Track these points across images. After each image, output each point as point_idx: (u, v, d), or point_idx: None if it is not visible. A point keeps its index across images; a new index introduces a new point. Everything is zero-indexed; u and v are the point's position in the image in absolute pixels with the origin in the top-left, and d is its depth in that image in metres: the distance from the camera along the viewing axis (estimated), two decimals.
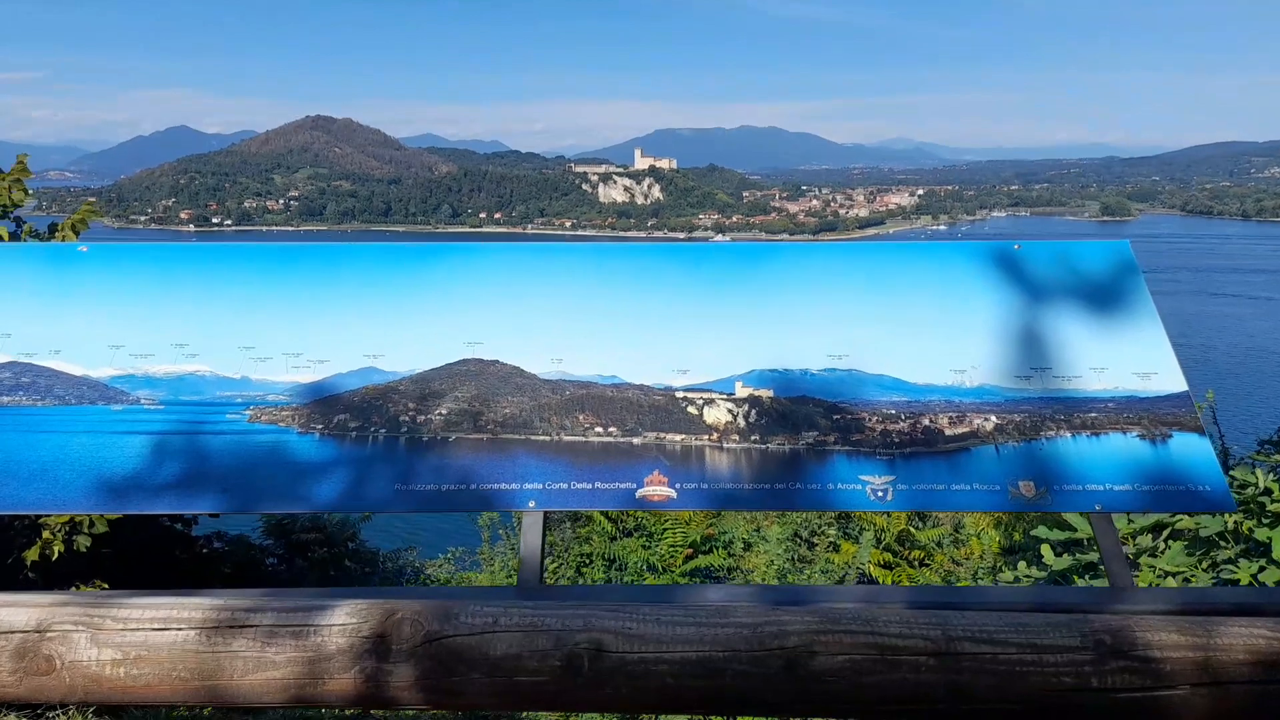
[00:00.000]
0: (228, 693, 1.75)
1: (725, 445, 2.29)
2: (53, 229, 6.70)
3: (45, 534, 4.71)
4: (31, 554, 4.77)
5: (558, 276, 2.56)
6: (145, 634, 1.74)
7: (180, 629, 1.75)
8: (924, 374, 2.40)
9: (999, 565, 6.20)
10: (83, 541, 4.88)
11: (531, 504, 2.18)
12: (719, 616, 1.75)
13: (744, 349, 2.45)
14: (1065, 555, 4.82)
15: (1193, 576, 4.42)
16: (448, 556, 8.81)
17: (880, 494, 2.20)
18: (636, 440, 2.30)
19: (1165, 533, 4.58)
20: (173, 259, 2.64)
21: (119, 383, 2.36)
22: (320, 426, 2.29)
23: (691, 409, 2.36)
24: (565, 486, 2.20)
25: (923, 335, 2.46)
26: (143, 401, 2.32)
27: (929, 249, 2.70)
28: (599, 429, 2.31)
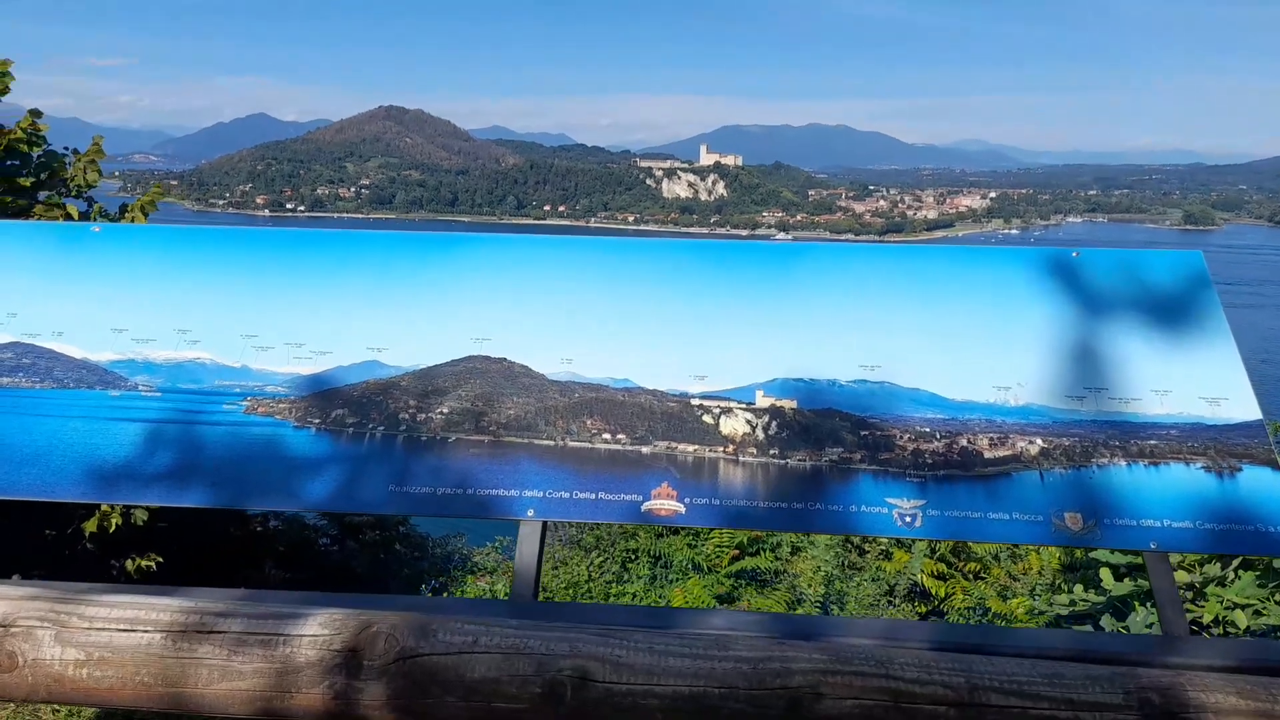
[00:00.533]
0: (192, 701, 1.65)
1: (741, 458, 2.13)
2: (123, 209, 6.76)
3: (104, 506, 4.75)
4: (90, 525, 4.81)
5: (575, 271, 2.42)
6: (110, 634, 1.66)
7: (146, 631, 1.66)
8: (964, 390, 2.20)
9: (1058, 583, 5.87)
10: (140, 515, 4.92)
11: (530, 513, 2.05)
12: (717, 648, 1.60)
13: (768, 355, 2.28)
14: (1127, 579, 4.52)
15: (1265, 610, 4.09)
16: (495, 545, 8.72)
17: (908, 519, 2.01)
18: (646, 449, 2.15)
19: (1236, 561, 4.25)
20: (184, 242, 2.57)
21: (118, 367, 2.30)
22: (317, 421, 2.20)
23: (707, 418, 2.20)
24: (567, 496, 2.07)
25: (965, 347, 2.26)
26: (140, 388, 2.26)
27: (980, 254, 2.48)
28: (607, 435, 2.17)
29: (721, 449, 2.14)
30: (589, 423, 2.19)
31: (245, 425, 2.20)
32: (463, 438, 2.16)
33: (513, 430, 2.17)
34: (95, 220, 6.22)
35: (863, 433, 2.14)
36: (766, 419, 2.18)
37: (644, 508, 2.05)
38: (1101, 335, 2.27)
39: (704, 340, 2.29)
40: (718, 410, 2.20)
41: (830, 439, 2.13)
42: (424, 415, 2.20)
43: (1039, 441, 2.12)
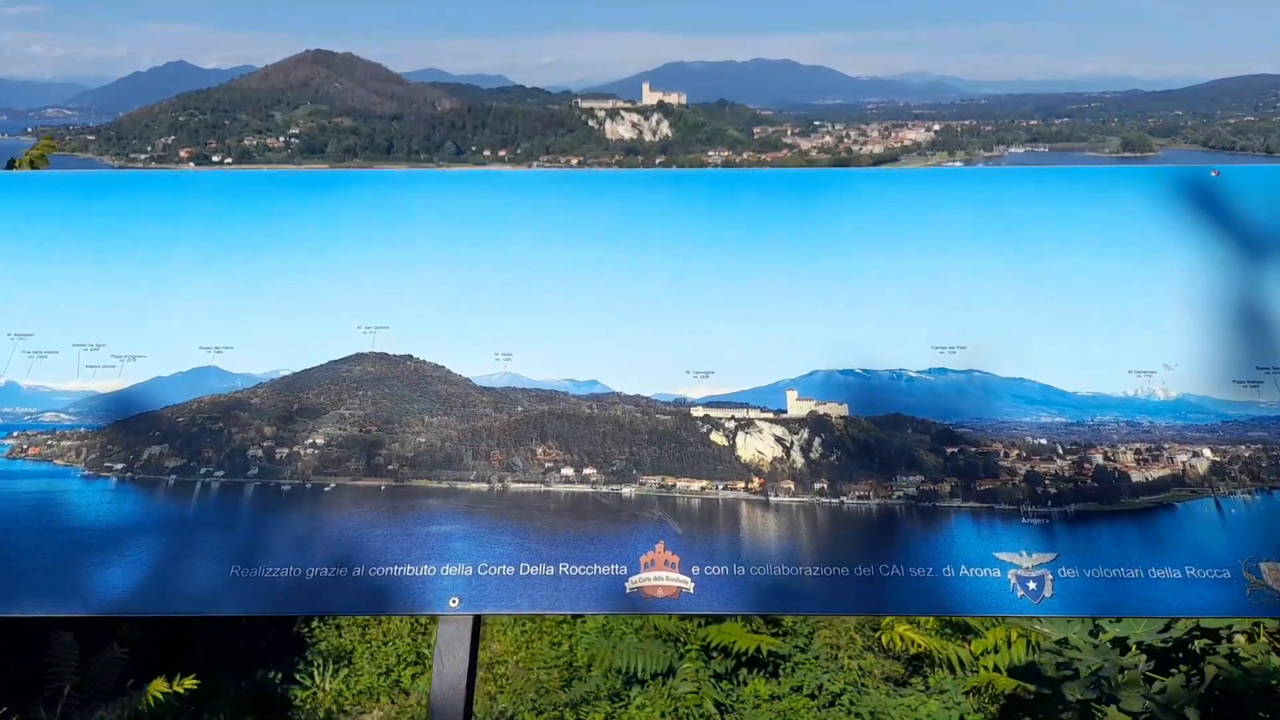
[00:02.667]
0: None
1: (773, 498, 1.43)
2: (11, 164, 5.82)
3: None
4: None
5: (512, 221, 1.66)
6: None
7: None
8: (1089, 378, 1.52)
9: None
10: None
11: (454, 602, 1.32)
12: None
13: (800, 337, 1.57)
14: None
15: None
16: (396, 648, 4.65)
17: (1032, 587, 1.33)
18: (628, 490, 1.43)
19: None
20: None
21: None
22: (120, 466, 1.42)
23: (717, 436, 1.48)
24: (511, 572, 1.34)
25: (1083, 314, 1.57)
26: None
27: (1082, 176, 1.77)
28: (568, 470, 1.44)
29: (742, 485, 1.43)
30: (540, 451, 1.44)
31: (6, 478, 1.41)
32: (346, 484, 1.41)
33: (423, 469, 1.42)
34: None
35: (949, 450, 1.44)
36: (805, 435, 1.46)
37: (629, 585, 1.33)
38: (1275, 290, 1.58)
39: (704, 318, 1.56)
40: (732, 424, 1.47)
41: (902, 461, 1.42)
42: (286, 450, 1.44)
43: (1207, 453, 1.44)
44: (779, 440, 1.47)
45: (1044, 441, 1.47)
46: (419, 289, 1.58)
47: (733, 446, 1.48)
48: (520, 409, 1.49)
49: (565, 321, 1.55)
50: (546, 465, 1.44)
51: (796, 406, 1.49)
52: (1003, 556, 1.36)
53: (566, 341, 1.54)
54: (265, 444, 1.46)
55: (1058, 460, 1.45)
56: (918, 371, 1.52)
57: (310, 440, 1.46)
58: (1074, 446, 1.46)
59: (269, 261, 1.60)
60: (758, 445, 1.47)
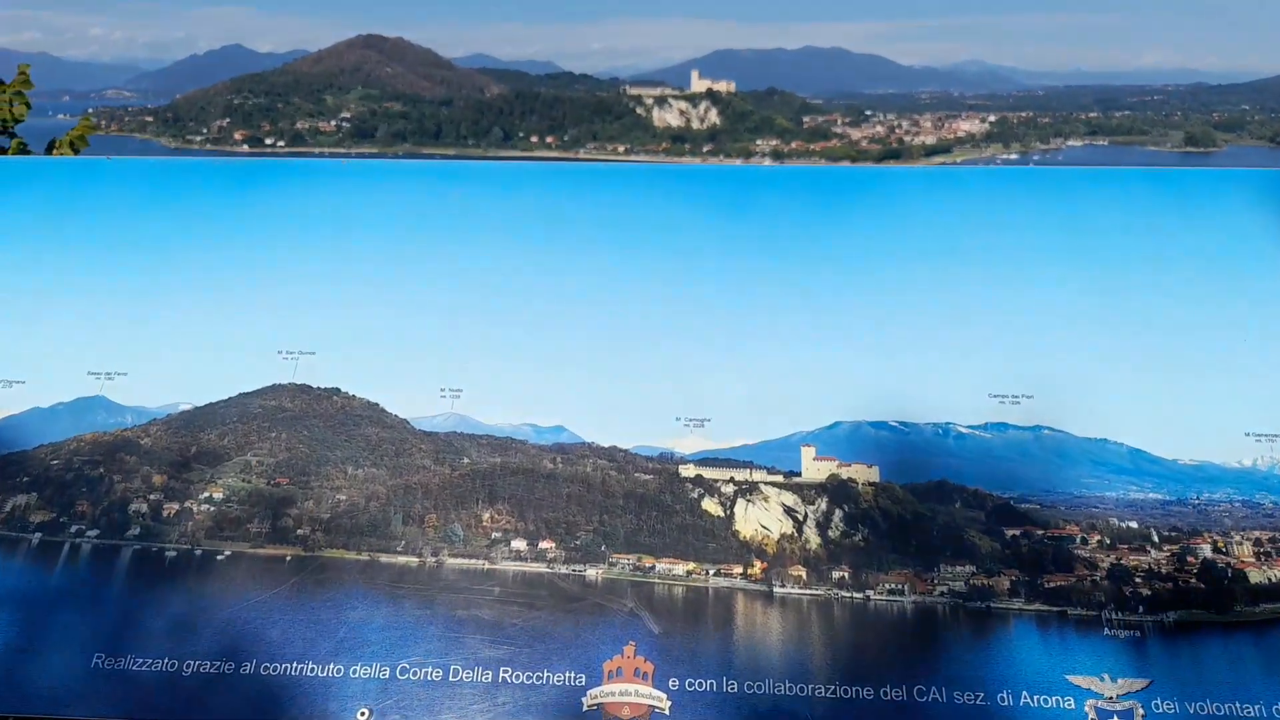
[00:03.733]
0: None
1: (778, 589, 1.12)
2: (51, 146, 5.85)
3: None
4: None
5: (472, 226, 1.36)
6: None
7: None
8: (1191, 442, 1.18)
9: None
10: None
11: (362, 715, 1.04)
12: None
13: (819, 377, 1.25)
14: None
15: None
16: None
17: None
18: (594, 573, 1.13)
19: None
20: None
21: None
22: None
23: (710, 504, 1.18)
24: (438, 676, 1.05)
25: (1182, 359, 1.23)
26: None
27: (1175, 179, 1.41)
28: (519, 543, 1.15)
29: (739, 569, 1.12)
30: (486, 517, 1.15)
31: None
32: (245, 551, 1.14)
33: (340, 535, 1.14)
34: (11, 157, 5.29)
35: (1009, 532, 1.11)
36: (823, 505, 1.14)
37: (588, 700, 1.04)
38: None
39: (700, 351, 1.25)
40: (730, 489, 1.17)
41: (948, 545, 1.11)
42: (176, 506, 1.17)
43: None
44: (789, 512, 1.16)
45: (1134, 525, 1.14)
46: (354, 307, 1.30)
47: (730, 518, 1.17)
48: (466, 461, 1.20)
49: (528, 352, 1.25)
50: (493, 535, 1.15)
51: (813, 468, 1.18)
52: (1078, 681, 1.04)
53: (528, 377, 1.24)
54: (152, 496, 1.19)
55: (1152, 551, 1.12)
56: (970, 427, 1.20)
57: (206, 494, 1.18)
58: (1173, 533, 1.13)
59: (176, 267, 1.33)
60: (762, 518, 1.16)
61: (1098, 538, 1.13)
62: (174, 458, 1.21)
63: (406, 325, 1.28)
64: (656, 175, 1.44)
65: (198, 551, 1.15)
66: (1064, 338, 1.24)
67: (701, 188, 1.40)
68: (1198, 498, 1.16)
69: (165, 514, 1.18)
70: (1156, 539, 1.13)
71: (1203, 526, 1.13)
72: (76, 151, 6.07)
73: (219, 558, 1.15)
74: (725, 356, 1.24)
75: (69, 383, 1.26)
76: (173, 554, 1.15)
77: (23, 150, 5.86)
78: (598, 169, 1.47)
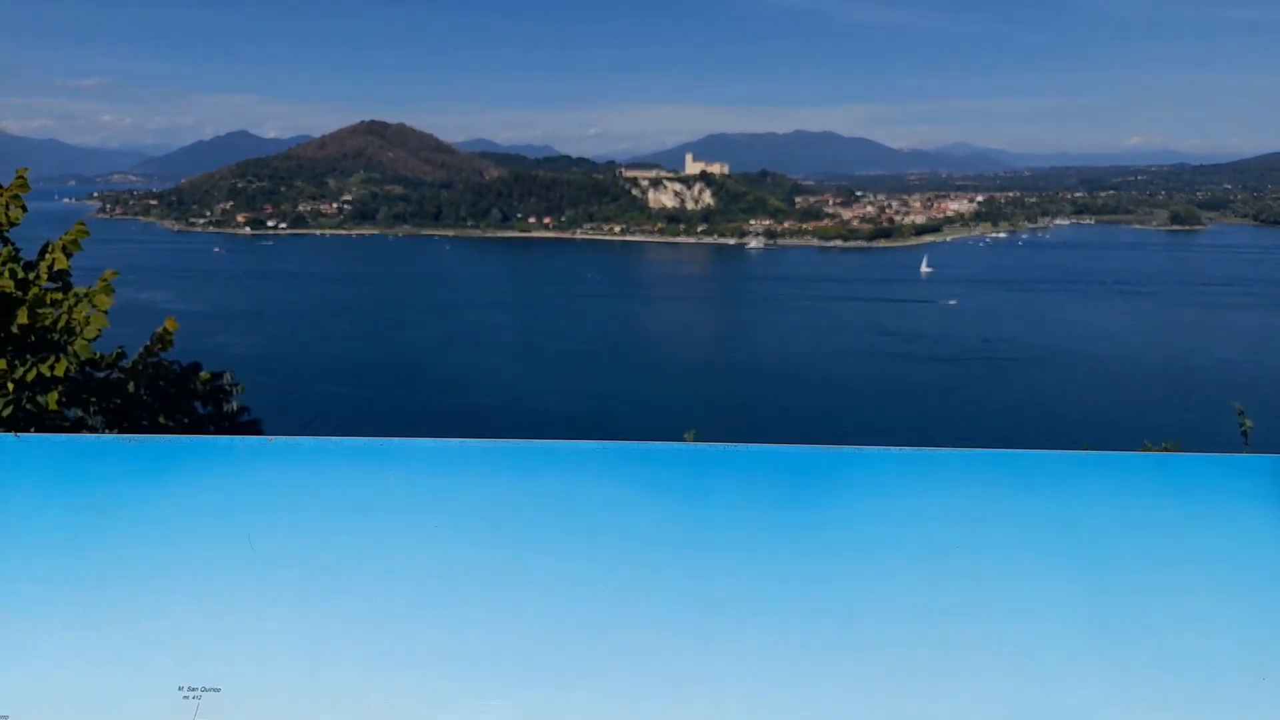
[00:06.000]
0: None
1: None
2: (43, 251, 5.78)
3: None
4: None
5: (407, 529, 1.24)
6: None
7: None
8: None
9: None
10: None
11: None
12: None
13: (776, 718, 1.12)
14: None
15: None
16: None
17: None
18: None
19: None
20: None
21: None
22: None
23: None
24: None
25: (1203, 700, 1.10)
26: None
27: (1183, 466, 1.31)
28: None
29: None
30: None
31: None
32: None
33: None
34: (6, 265, 5.30)
35: None
36: None
37: None
38: None
39: (648, 684, 1.13)
40: None
41: None
42: None
43: None
44: None
45: None
46: (266, 636, 1.18)
47: None
48: None
49: (467, 686, 1.13)
50: None
51: None
52: None
53: (462, 713, 1.11)
54: None
55: None
56: None
57: None
58: None
59: (59, 583, 1.21)
60: None
61: None
62: None
63: (325, 652, 1.15)
64: (592, 456, 1.34)
65: None
66: (1061, 668, 1.12)
67: (638, 468, 1.30)
68: None
69: None
70: None
71: None
72: (69, 256, 6.01)
73: None
74: (675, 690, 1.11)
75: None
76: None
77: (13, 258, 5.81)
78: (537, 449, 1.36)
